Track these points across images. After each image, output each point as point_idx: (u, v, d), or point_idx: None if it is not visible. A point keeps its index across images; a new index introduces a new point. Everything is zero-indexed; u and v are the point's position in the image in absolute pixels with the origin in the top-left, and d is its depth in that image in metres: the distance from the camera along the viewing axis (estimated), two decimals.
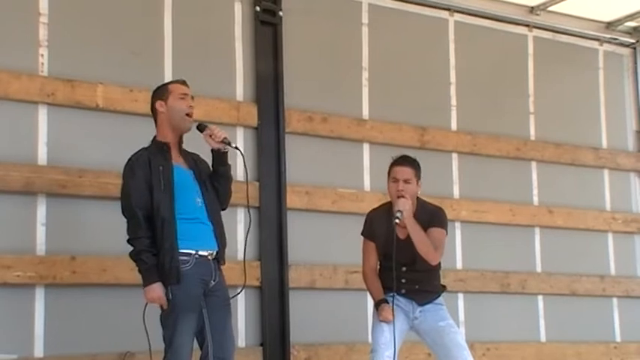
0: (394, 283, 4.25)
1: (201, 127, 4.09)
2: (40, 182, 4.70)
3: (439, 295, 4.40)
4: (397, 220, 4.15)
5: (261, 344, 5.33)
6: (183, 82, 4.12)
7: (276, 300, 5.39)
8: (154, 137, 4.07)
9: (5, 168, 4.62)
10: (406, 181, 4.26)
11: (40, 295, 4.66)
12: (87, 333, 4.74)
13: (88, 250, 4.80)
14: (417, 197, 4.36)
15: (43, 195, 4.74)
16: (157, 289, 3.81)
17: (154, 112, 4.08)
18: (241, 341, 5.25)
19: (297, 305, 5.44)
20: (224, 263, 4.06)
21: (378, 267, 4.44)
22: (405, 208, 4.16)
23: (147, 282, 3.83)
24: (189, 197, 3.96)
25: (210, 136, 4.03)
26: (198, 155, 4.16)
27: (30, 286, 4.63)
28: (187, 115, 4.03)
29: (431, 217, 4.31)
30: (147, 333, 3.94)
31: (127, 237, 3.89)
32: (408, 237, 4.24)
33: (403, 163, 4.31)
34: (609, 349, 6.70)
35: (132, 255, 3.86)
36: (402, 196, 4.21)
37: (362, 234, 4.50)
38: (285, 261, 5.43)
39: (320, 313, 5.54)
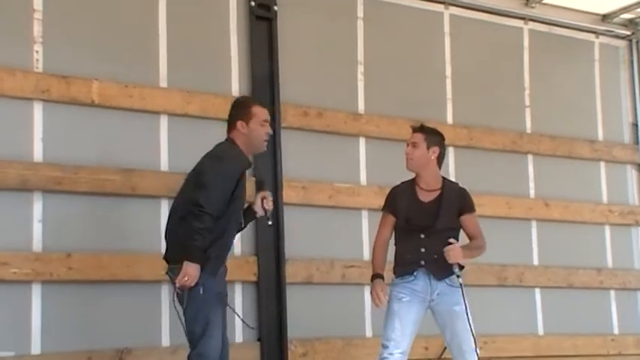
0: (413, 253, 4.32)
1: (260, 185, 4.17)
2: (35, 179, 4.70)
3: (455, 274, 4.38)
4: (460, 280, 4.27)
5: (259, 339, 5.33)
6: (263, 105, 4.20)
7: (273, 295, 5.38)
8: (234, 142, 4.07)
9: (1, 165, 4.61)
10: (413, 145, 4.40)
11: (36, 291, 4.66)
12: (84, 329, 4.74)
13: (84, 247, 4.79)
14: (443, 178, 4.49)
15: (39, 192, 4.73)
16: (197, 269, 3.79)
17: (232, 127, 4.09)
18: (238, 336, 5.23)
19: (294, 300, 5.43)
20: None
21: (398, 240, 4.46)
22: (456, 260, 4.24)
23: (195, 259, 3.79)
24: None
25: (263, 200, 4.08)
26: None
27: (26, 282, 4.63)
28: (265, 140, 4.16)
29: (461, 201, 4.43)
30: (180, 320, 3.90)
31: (199, 204, 3.76)
32: (430, 202, 4.36)
33: (415, 130, 4.47)
34: (607, 342, 6.70)
35: (195, 225, 3.77)
36: (451, 251, 4.25)
37: (382, 209, 4.54)
38: (281, 256, 5.42)
39: (317, 307, 5.54)
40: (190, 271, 3.78)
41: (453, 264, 4.25)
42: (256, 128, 4.09)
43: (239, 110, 4.12)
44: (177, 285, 3.81)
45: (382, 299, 4.29)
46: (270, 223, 4.19)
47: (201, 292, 3.83)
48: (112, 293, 4.83)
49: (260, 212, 4.13)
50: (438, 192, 4.41)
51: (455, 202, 4.40)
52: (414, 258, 4.33)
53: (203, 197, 3.81)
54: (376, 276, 4.38)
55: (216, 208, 3.83)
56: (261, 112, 4.12)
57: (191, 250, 3.80)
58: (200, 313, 3.85)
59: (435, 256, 4.32)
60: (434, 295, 4.34)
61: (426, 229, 4.32)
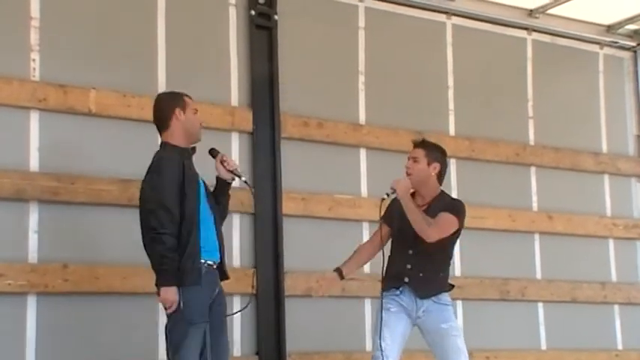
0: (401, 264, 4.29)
1: (214, 153, 4.12)
2: (31, 189, 4.65)
3: (443, 292, 4.35)
4: (385, 196, 4.29)
5: (257, 353, 5.27)
6: (191, 98, 4.13)
7: (271, 308, 5.32)
8: (168, 143, 4.02)
9: None
10: (414, 160, 4.38)
11: (31, 303, 4.61)
12: (79, 342, 4.68)
13: (81, 258, 4.74)
14: (442, 191, 4.44)
15: (35, 202, 4.68)
16: (175, 292, 3.78)
17: (168, 118, 4.03)
18: (237, 350, 5.19)
19: (293, 313, 5.38)
20: (228, 277, 4.07)
21: (389, 255, 4.42)
22: (397, 186, 4.25)
23: (167, 283, 3.78)
24: (205, 207, 3.97)
25: (223, 162, 4.04)
26: None
27: (22, 294, 4.58)
28: (200, 129, 4.11)
29: (446, 205, 4.36)
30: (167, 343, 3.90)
31: (154, 229, 3.77)
32: None
33: (416, 145, 4.45)
34: (611, 357, 6.63)
35: (158, 249, 3.77)
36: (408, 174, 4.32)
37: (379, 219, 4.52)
38: (280, 268, 5.37)
39: (316, 321, 5.47)
40: (168, 297, 3.79)
41: (393, 189, 4.25)
42: (191, 116, 4.05)
43: (172, 101, 4.08)
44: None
45: (319, 290, 4.36)
46: (244, 179, 4.10)
47: (181, 306, 3.78)
48: (109, 305, 4.77)
49: (227, 177, 4.06)
50: (426, 207, 4.34)
51: (438, 211, 4.30)
52: (399, 274, 4.30)
53: (154, 220, 3.79)
54: (336, 269, 4.40)
55: (171, 221, 3.79)
56: (190, 103, 4.09)
57: (163, 275, 3.79)
58: (177, 325, 3.80)
59: (421, 274, 4.28)
60: (419, 313, 4.29)
61: (414, 246, 4.28)
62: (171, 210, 3.80)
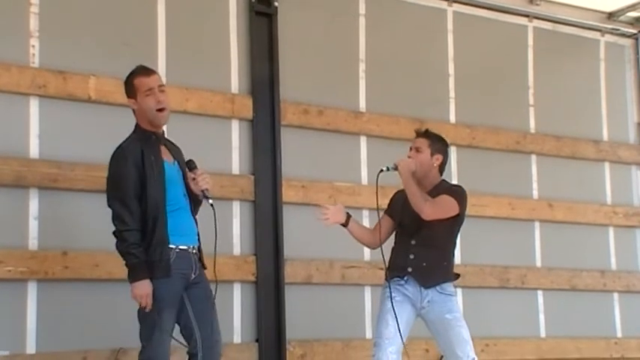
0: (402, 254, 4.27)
1: (191, 166, 3.94)
2: (31, 176, 4.64)
3: (447, 281, 4.33)
4: (384, 169, 4.27)
5: (257, 340, 5.28)
6: (147, 73, 3.88)
7: (271, 295, 5.33)
8: (138, 125, 3.91)
9: None
10: (417, 150, 4.36)
11: (32, 290, 4.61)
12: (79, 329, 4.69)
13: (80, 245, 4.74)
14: (442, 180, 4.41)
15: (35, 189, 4.67)
16: (146, 286, 3.69)
17: (130, 102, 3.92)
18: (236, 337, 5.20)
19: (293, 301, 5.38)
20: (205, 267, 3.96)
21: (393, 246, 4.41)
22: (400, 164, 4.24)
23: (137, 278, 3.70)
24: (176, 192, 3.86)
25: (194, 179, 3.89)
26: (175, 144, 4.03)
27: (22, 281, 4.58)
28: (158, 110, 3.85)
29: (445, 189, 4.33)
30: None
31: (116, 228, 3.73)
32: None
33: (419, 134, 4.43)
34: (610, 345, 6.64)
35: (122, 247, 3.72)
36: (404, 159, 4.31)
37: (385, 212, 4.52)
38: (280, 256, 5.37)
39: (316, 308, 5.48)
40: (139, 292, 3.68)
41: (395, 165, 4.24)
42: (143, 101, 3.82)
43: (125, 88, 3.91)
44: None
45: (324, 210, 4.32)
46: (211, 202, 3.83)
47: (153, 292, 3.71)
48: (108, 292, 4.75)
49: (198, 193, 3.88)
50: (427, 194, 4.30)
51: (438, 195, 4.28)
52: (402, 264, 4.29)
53: (115, 219, 3.73)
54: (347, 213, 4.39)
55: (131, 216, 3.70)
56: (142, 83, 3.83)
57: (130, 272, 3.71)
58: (148, 316, 3.72)
59: (424, 264, 4.26)
60: (424, 303, 4.27)
61: (416, 236, 4.27)
62: (129, 204, 3.70)
